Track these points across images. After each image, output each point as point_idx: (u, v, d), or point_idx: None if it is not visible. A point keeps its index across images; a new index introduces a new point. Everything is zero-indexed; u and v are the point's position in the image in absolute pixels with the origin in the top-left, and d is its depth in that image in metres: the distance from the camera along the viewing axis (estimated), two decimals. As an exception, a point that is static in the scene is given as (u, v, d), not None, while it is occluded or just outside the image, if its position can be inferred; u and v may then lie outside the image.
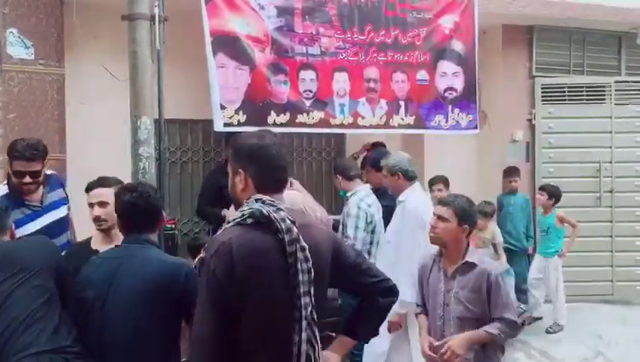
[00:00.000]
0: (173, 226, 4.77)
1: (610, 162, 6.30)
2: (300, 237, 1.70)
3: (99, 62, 4.83)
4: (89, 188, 2.79)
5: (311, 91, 4.53)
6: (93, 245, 2.73)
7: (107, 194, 2.67)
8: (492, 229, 5.33)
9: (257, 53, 4.30)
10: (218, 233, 1.80)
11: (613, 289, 6.33)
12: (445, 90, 5.06)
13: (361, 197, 4.06)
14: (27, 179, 3.06)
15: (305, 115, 4.51)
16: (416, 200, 3.70)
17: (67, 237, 3.34)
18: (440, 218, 2.78)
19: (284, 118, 4.42)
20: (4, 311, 2.18)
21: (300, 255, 1.68)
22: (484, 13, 5.24)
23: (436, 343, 2.72)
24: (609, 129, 6.32)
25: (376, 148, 5.22)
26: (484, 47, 5.58)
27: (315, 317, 1.70)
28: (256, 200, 1.73)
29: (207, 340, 1.64)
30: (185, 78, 4.69)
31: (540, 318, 5.57)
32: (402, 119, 4.91)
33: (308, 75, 4.52)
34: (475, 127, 5.28)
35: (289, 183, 4.46)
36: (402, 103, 4.88)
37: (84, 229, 3.25)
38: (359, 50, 4.69)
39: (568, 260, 5.61)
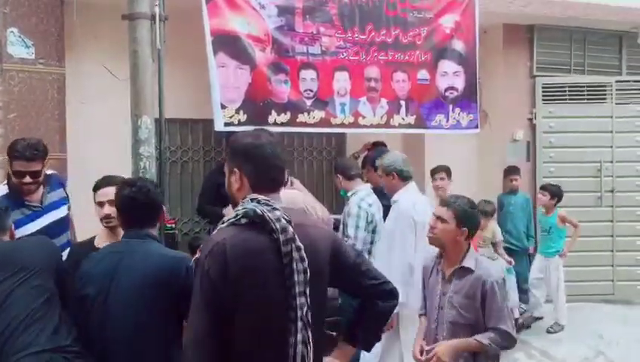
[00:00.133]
0: (174, 226, 4.77)
1: (611, 162, 6.30)
2: (296, 236, 1.68)
3: (99, 62, 4.84)
4: (97, 187, 2.79)
5: (311, 91, 4.53)
6: (98, 243, 2.72)
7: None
8: (492, 228, 5.33)
9: (258, 53, 4.30)
10: (213, 233, 1.80)
11: (614, 288, 6.34)
12: (446, 90, 5.06)
13: (362, 197, 4.05)
14: (27, 179, 3.06)
15: (305, 114, 4.51)
16: (407, 201, 3.68)
17: (67, 237, 3.34)
18: (439, 219, 2.73)
19: (284, 117, 4.42)
20: (4, 310, 2.18)
21: (295, 255, 1.67)
22: (485, 12, 5.24)
23: (426, 347, 2.67)
24: (610, 128, 6.31)
25: (377, 148, 5.22)
26: (485, 47, 5.58)
27: (310, 317, 1.69)
28: (252, 200, 1.72)
29: (202, 340, 1.64)
30: (185, 78, 4.69)
31: (540, 318, 5.57)
32: (403, 119, 4.90)
33: (308, 75, 4.52)
34: (476, 127, 5.27)
35: (289, 182, 4.48)
36: (403, 103, 4.88)
37: (84, 229, 3.25)
38: (360, 50, 4.69)
39: (569, 260, 5.61)
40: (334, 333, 2.06)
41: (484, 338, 2.55)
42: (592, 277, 6.21)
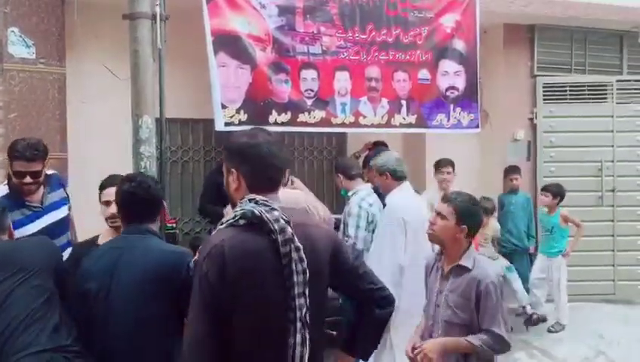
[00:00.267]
0: (175, 225, 4.77)
1: (612, 161, 6.29)
2: (295, 237, 1.68)
3: (100, 61, 4.84)
4: (103, 187, 2.79)
5: (312, 90, 4.53)
6: (101, 243, 2.72)
7: None
8: (493, 225, 5.35)
9: (258, 53, 4.30)
10: (211, 235, 1.79)
11: (614, 288, 6.33)
12: (447, 89, 5.06)
13: (363, 197, 4.05)
14: (27, 179, 3.05)
15: (306, 114, 4.51)
16: (397, 200, 3.65)
17: (67, 237, 3.33)
18: (439, 215, 2.66)
19: (285, 117, 4.42)
20: (4, 310, 2.18)
21: (294, 255, 1.67)
22: (486, 12, 5.24)
23: (417, 344, 2.62)
24: (610, 128, 6.30)
25: (378, 148, 5.22)
26: (486, 46, 5.58)
27: (309, 318, 1.69)
28: (250, 201, 1.71)
29: (201, 341, 1.64)
30: (186, 77, 4.69)
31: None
32: (404, 118, 4.90)
33: (309, 74, 4.52)
34: (477, 126, 5.27)
35: (290, 181, 4.47)
36: (404, 102, 4.88)
37: (85, 228, 3.26)
38: (360, 50, 4.69)
39: (570, 259, 5.60)
40: (334, 333, 2.06)
41: (475, 339, 2.49)
42: (593, 277, 6.20)
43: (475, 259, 2.64)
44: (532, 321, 5.37)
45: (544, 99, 6.27)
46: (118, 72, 4.47)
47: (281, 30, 4.40)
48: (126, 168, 3.44)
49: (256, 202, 1.70)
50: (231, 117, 4.21)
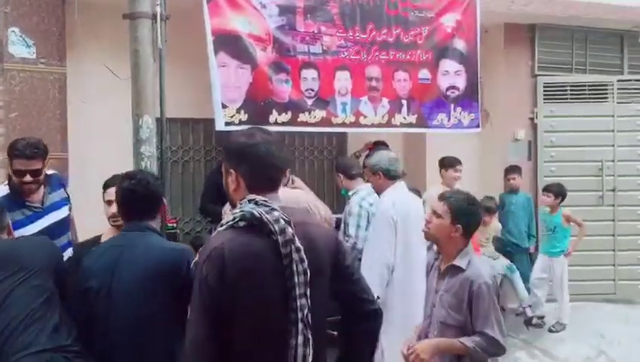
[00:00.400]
0: (175, 225, 4.77)
1: (613, 161, 6.29)
2: (295, 237, 1.66)
3: (100, 61, 4.84)
4: (106, 186, 2.79)
5: (313, 90, 4.53)
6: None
7: None
8: (494, 225, 5.35)
9: (259, 52, 4.30)
10: (211, 237, 1.77)
11: (615, 288, 6.32)
12: (447, 89, 5.06)
13: (363, 196, 4.06)
14: (28, 178, 3.05)
15: (307, 113, 4.51)
16: (387, 200, 3.60)
17: (68, 238, 3.34)
18: (434, 213, 2.63)
19: (285, 117, 4.42)
20: (4, 310, 2.18)
21: (295, 256, 1.65)
22: (486, 11, 5.24)
23: (411, 345, 2.58)
24: (611, 127, 6.30)
25: (378, 147, 5.21)
26: (486, 46, 5.57)
27: (311, 319, 1.68)
28: (249, 201, 1.70)
29: (201, 343, 1.63)
30: (186, 77, 4.69)
31: (542, 317, 5.55)
32: (404, 118, 4.90)
33: (310, 74, 4.52)
34: (477, 126, 5.27)
35: (290, 181, 4.46)
36: (404, 102, 4.88)
37: (85, 228, 3.26)
38: (361, 49, 4.69)
39: (571, 259, 5.60)
40: (335, 333, 2.05)
41: (468, 341, 2.43)
42: (594, 277, 6.20)
43: (470, 259, 2.58)
44: (531, 323, 5.38)
45: (545, 99, 6.27)
46: (119, 71, 4.47)
47: (281, 30, 4.40)
48: (127, 168, 3.41)
49: (256, 203, 1.69)
50: (231, 117, 4.21)
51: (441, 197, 2.67)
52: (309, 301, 1.67)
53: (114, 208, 2.64)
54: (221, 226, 1.73)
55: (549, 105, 6.27)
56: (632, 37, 6.45)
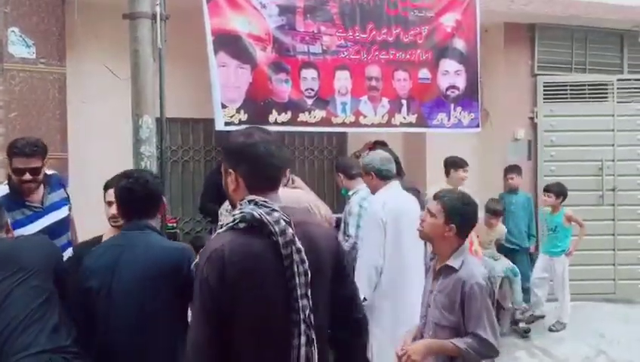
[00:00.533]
0: (175, 225, 4.78)
1: (613, 160, 6.28)
2: (296, 238, 1.66)
3: (100, 61, 4.84)
4: (107, 186, 2.79)
5: (312, 90, 4.53)
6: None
7: None
8: (499, 229, 5.35)
9: (259, 52, 4.30)
10: (211, 239, 1.77)
11: (615, 287, 6.32)
12: (447, 89, 5.06)
13: (363, 196, 4.05)
14: (27, 176, 3.05)
15: (306, 113, 4.51)
16: (376, 201, 3.56)
17: (68, 238, 3.34)
18: (429, 212, 2.61)
19: (285, 116, 4.42)
20: (3, 310, 2.18)
21: (295, 257, 1.65)
22: (486, 11, 5.23)
23: (406, 345, 2.57)
24: (611, 127, 6.30)
25: (378, 147, 5.21)
26: (486, 46, 5.57)
27: (313, 319, 1.67)
28: (249, 202, 1.69)
29: (202, 344, 1.64)
30: (186, 77, 4.69)
31: (542, 317, 5.56)
32: (404, 118, 4.90)
33: (309, 74, 4.52)
34: (477, 126, 5.27)
35: (290, 180, 4.45)
36: (404, 102, 4.88)
37: (85, 228, 3.26)
38: (361, 49, 4.69)
39: (571, 259, 5.60)
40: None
41: (461, 342, 2.40)
42: (594, 276, 6.20)
43: (464, 260, 2.54)
44: (517, 325, 5.37)
45: (545, 99, 6.27)
46: (119, 71, 4.46)
47: (281, 30, 4.40)
48: (127, 168, 3.44)
49: (256, 203, 1.68)
50: (231, 116, 4.21)
51: (435, 197, 2.65)
52: (310, 301, 1.67)
53: (114, 209, 2.64)
54: (221, 228, 1.73)
55: (548, 104, 6.27)
56: (631, 36, 6.45)
